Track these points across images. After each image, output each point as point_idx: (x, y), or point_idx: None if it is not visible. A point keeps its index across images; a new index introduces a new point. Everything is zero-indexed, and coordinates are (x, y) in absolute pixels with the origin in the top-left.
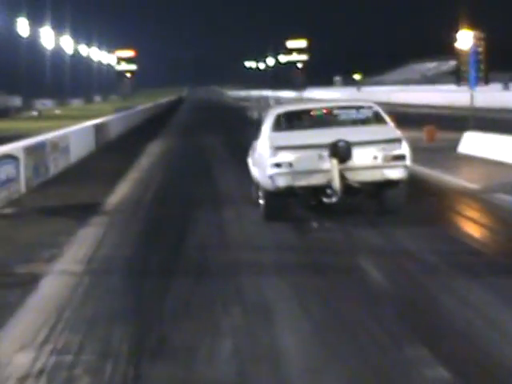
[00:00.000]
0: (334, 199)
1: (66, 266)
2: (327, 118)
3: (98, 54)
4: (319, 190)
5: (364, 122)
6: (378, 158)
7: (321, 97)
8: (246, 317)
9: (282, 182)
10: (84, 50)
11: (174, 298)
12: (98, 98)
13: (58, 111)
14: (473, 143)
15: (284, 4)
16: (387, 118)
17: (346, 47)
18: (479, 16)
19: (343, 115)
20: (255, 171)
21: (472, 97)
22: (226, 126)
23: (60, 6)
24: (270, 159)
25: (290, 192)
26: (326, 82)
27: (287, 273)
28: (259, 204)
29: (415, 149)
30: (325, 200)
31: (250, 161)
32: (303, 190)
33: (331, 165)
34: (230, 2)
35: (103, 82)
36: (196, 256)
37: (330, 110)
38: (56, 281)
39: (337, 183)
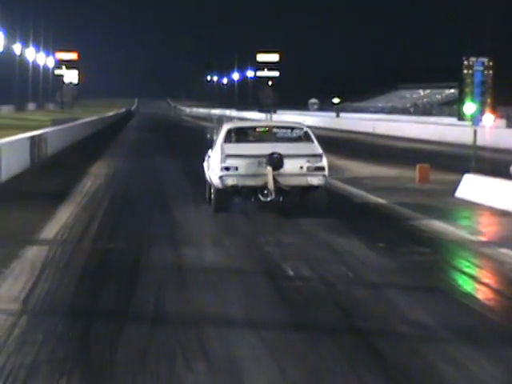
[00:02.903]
0: (269, 198)
1: None
2: (267, 135)
3: (34, 55)
4: (258, 190)
5: (295, 139)
6: (303, 167)
7: None
8: (213, 376)
9: (229, 182)
10: (18, 49)
11: (128, 347)
12: (31, 106)
13: None
14: (474, 187)
15: (254, 14)
16: (313, 137)
17: (324, 65)
18: (486, 42)
19: (280, 133)
20: (209, 174)
21: (475, 134)
22: (183, 151)
23: None
24: (221, 164)
25: (235, 190)
26: (299, 103)
27: (260, 329)
28: (210, 202)
29: (406, 190)
30: (262, 198)
31: (205, 165)
32: (246, 189)
33: (267, 171)
34: (191, 8)
35: (39, 88)
36: (152, 300)
37: (269, 128)
38: None
39: (271, 185)
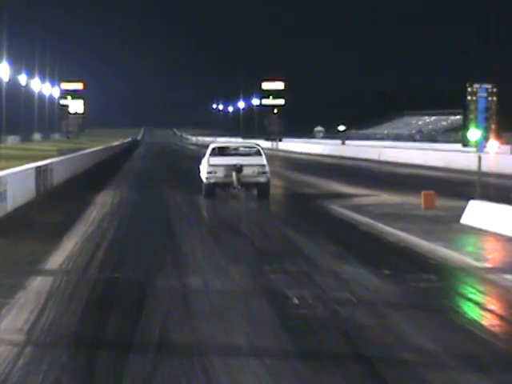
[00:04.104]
0: (236, 189)
1: (1, 335)
2: (235, 151)
3: (39, 85)
4: (230, 185)
5: (251, 154)
6: (255, 172)
7: (298, 150)
8: None
9: (212, 180)
10: (23, 79)
11: (132, 376)
12: (37, 136)
13: None
14: (479, 214)
15: (259, 42)
16: (263, 153)
17: (330, 93)
18: (490, 68)
19: (243, 150)
20: (200, 174)
21: (480, 160)
22: (190, 180)
23: None
24: (207, 170)
25: (216, 185)
26: (304, 131)
27: (265, 358)
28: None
29: (411, 216)
30: (232, 189)
31: (201, 167)
32: (222, 184)
33: (233, 174)
34: (196, 36)
35: (45, 118)
36: (157, 333)
37: (237, 147)
38: None
39: (235, 183)
